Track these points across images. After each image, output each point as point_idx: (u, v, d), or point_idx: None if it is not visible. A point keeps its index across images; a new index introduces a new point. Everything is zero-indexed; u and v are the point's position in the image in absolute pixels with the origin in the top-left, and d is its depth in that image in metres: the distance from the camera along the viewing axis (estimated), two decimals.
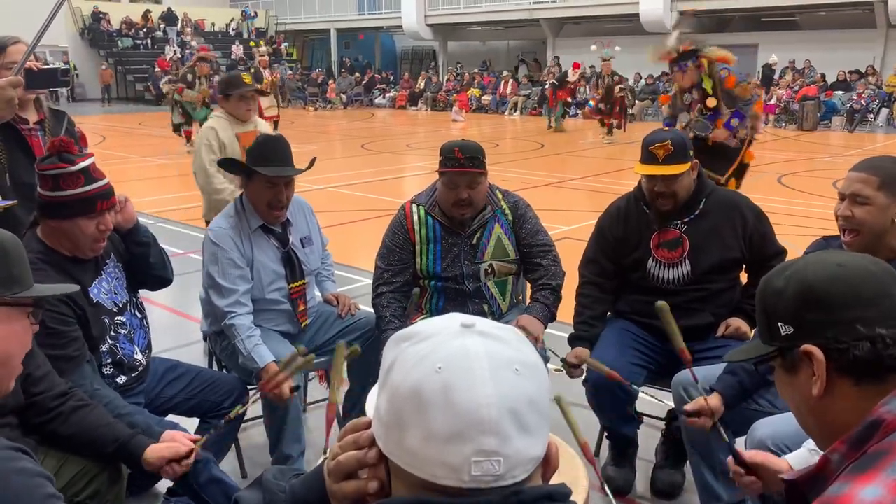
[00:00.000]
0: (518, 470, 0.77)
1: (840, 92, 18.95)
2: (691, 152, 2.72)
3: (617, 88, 15.17)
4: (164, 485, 2.56)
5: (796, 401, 1.15)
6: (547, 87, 18.99)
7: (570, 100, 18.39)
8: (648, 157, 2.68)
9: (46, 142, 2.70)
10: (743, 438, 2.19)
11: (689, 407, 2.28)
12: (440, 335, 0.80)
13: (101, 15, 28.86)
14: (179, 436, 2.10)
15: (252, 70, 13.19)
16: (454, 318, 0.83)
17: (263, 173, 2.74)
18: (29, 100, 2.82)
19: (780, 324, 1.12)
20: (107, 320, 2.36)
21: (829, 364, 1.07)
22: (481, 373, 0.77)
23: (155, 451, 2.01)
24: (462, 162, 2.77)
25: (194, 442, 2.08)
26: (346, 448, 0.88)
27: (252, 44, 23.51)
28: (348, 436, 0.89)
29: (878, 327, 1.04)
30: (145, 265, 2.56)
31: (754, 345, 1.20)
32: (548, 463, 0.83)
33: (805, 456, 1.63)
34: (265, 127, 3.86)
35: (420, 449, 0.76)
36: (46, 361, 2.03)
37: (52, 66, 2.77)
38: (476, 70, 26.18)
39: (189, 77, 12.31)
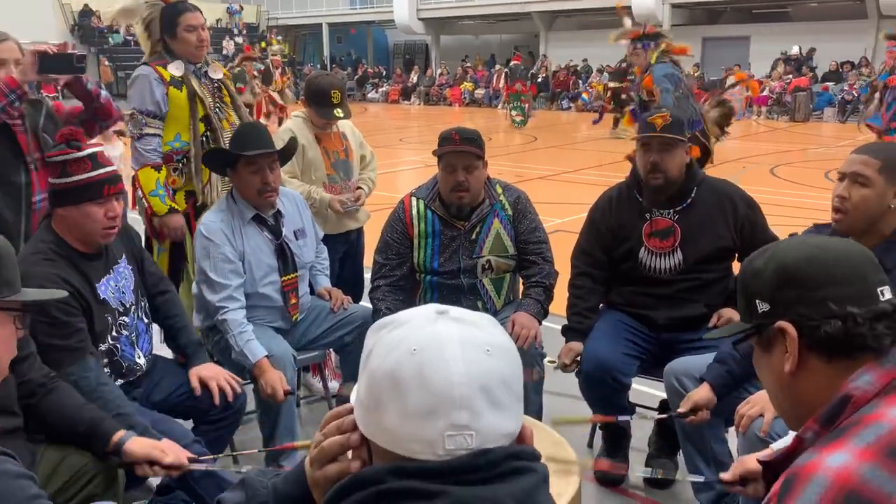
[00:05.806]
0: (490, 444, 0.81)
1: (832, 83, 18.98)
2: (688, 133, 2.74)
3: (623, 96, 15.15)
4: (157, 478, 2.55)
5: (770, 379, 1.17)
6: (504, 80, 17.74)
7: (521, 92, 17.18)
8: (646, 127, 2.70)
9: (29, 135, 2.65)
10: (733, 428, 2.19)
11: (681, 409, 2.29)
12: (415, 321, 0.86)
13: (91, 12, 28.64)
14: (175, 448, 2.06)
15: (263, 69, 12.87)
16: (430, 306, 0.88)
17: (244, 154, 2.74)
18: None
19: (757, 301, 1.14)
20: (110, 319, 2.34)
21: (801, 341, 1.09)
22: (453, 353, 0.82)
23: (140, 446, 1.99)
24: (458, 142, 2.79)
25: (189, 459, 2.06)
26: (329, 434, 0.92)
27: (263, 44, 23.12)
28: (331, 423, 0.93)
29: (850, 306, 1.05)
30: None
31: (734, 324, 1.22)
32: (522, 443, 0.87)
33: None
34: (348, 127, 3.69)
35: (397, 427, 0.81)
36: (30, 344, 2.00)
37: (68, 52, 2.60)
38: (469, 65, 26.10)
39: (245, 77, 11.50)
